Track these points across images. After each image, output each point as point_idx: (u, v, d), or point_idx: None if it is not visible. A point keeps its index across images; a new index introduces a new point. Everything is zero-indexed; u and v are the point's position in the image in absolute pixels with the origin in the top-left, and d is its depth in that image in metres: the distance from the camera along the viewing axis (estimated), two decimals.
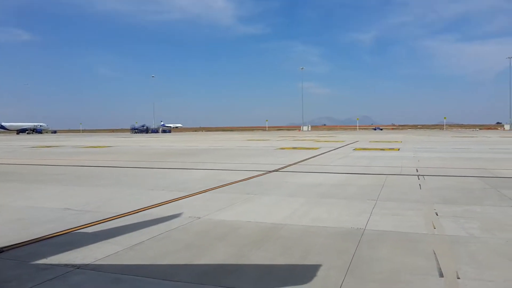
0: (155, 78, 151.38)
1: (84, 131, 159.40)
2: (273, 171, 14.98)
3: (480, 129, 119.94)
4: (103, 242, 5.97)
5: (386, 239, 6.09)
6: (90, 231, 6.65)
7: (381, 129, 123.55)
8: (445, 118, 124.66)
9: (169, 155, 24.39)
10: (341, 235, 6.30)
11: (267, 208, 8.38)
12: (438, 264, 5.04)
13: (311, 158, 20.67)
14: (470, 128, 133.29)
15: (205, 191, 10.43)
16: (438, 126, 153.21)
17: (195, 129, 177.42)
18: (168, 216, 7.55)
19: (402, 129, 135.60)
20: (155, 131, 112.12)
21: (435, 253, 5.43)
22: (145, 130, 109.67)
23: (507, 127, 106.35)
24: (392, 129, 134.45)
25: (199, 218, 7.45)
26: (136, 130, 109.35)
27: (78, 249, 5.64)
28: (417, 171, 14.62)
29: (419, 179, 12.60)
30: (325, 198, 9.47)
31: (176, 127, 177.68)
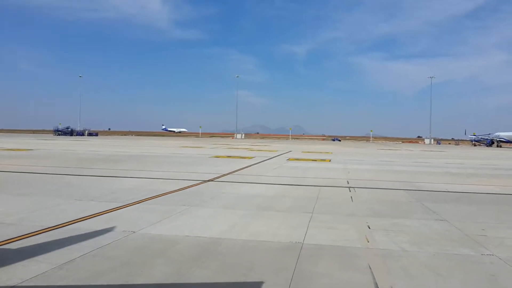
0: (83, 77, 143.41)
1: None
2: (209, 180, 14.80)
3: (403, 142, 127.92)
4: (29, 260, 5.47)
5: (324, 253, 6.20)
6: (13, 248, 6.07)
7: (339, 140, 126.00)
8: (371, 131, 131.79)
9: (97, 161, 23.22)
10: (280, 250, 6.32)
11: (205, 221, 8.21)
12: (374, 279, 5.21)
13: (246, 167, 20.73)
14: (394, 141, 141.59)
15: (138, 202, 10.01)
16: (365, 138, 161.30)
17: (125, 133, 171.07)
18: (100, 230, 7.12)
19: (322, 139, 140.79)
20: (81, 134, 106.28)
21: (370, 268, 5.61)
22: (69, 132, 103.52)
23: (427, 141, 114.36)
24: (322, 139, 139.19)
25: (134, 232, 7.11)
26: (60, 132, 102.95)
27: (1, 269, 5.12)
28: (348, 183, 15.19)
29: (350, 191, 13.08)
30: (263, 210, 9.49)
31: (180, 131, 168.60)
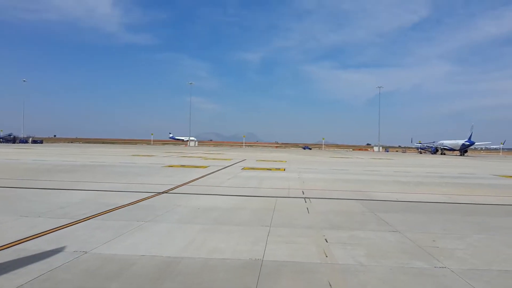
0: (27, 82, 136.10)
1: None
2: (163, 192, 14.46)
3: (353, 149, 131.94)
4: None
5: (284, 271, 6.18)
6: None
7: (310, 149, 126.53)
8: (323, 138, 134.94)
9: (43, 171, 22.07)
10: (240, 268, 6.23)
11: (162, 238, 7.97)
12: None
13: (201, 177, 20.47)
14: (345, 148, 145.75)
15: (89, 218, 9.58)
16: (317, 146, 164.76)
17: (71, 140, 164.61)
18: (49, 251, 6.72)
19: (285, 147, 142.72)
20: (24, 141, 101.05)
21: (330, 285, 5.65)
22: (12, 139, 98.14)
23: (376, 149, 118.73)
24: (276, 147, 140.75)
25: (86, 252, 6.77)
26: (1, 140, 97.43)
27: None
28: (303, 193, 15.35)
29: (306, 202, 13.22)
30: (220, 224, 9.36)
31: (190, 139, 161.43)
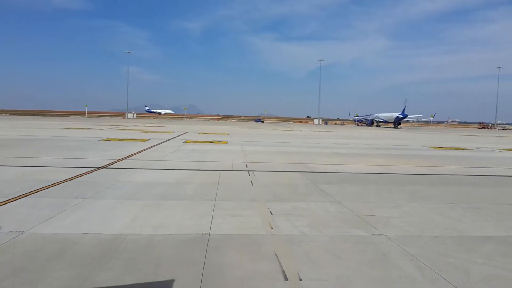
0: None
1: None
2: (102, 167, 13.97)
3: (294, 122, 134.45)
4: None
5: (232, 243, 6.27)
6: None
7: (262, 121, 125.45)
8: (265, 111, 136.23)
9: None
10: (188, 242, 6.23)
11: (104, 215, 7.74)
12: (281, 267, 5.41)
13: (141, 151, 19.97)
14: (286, 121, 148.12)
15: (25, 196, 9.06)
16: (259, 118, 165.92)
17: None
18: None
19: (227, 119, 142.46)
20: None
21: (277, 256, 5.81)
22: None
23: (316, 121, 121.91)
24: (218, 119, 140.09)
25: (23, 232, 6.43)
26: None
27: None
28: (246, 166, 15.49)
29: (249, 175, 13.37)
30: (164, 200, 9.24)
31: (166, 113, 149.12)
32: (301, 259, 5.72)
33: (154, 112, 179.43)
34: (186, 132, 40.36)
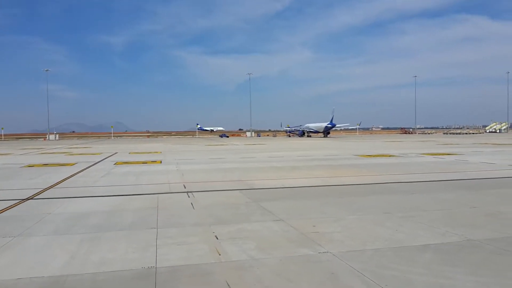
0: None
1: None
2: (28, 199, 12.97)
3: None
4: None
5: (180, 276, 6.05)
6: None
7: (227, 136, 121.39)
8: (197, 125, 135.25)
9: None
10: (134, 279, 5.91)
11: (38, 255, 7.12)
12: None
13: (70, 177, 18.85)
14: (218, 134, 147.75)
15: None
16: (191, 133, 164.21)
17: None
18: None
19: (157, 136, 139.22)
20: None
21: (228, 285, 5.69)
22: None
23: (248, 134, 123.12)
24: (148, 136, 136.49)
25: None
26: None
27: None
28: (184, 187, 15.18)
29: (189, 196, 13.11)
30: (102, 231, 8.74)
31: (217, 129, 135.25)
32: (254, 286, 5.65)
33: (206, 130, 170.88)
34: (116, 153, 38.81)
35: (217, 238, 8.09)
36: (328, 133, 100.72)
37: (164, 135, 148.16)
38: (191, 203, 11.92)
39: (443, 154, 30.94)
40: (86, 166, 24.46)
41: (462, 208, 10.81)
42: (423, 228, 8.74)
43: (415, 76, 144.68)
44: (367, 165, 23.69)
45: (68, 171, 21.72)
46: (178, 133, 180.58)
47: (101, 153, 38.99)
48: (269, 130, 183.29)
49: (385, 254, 7.04)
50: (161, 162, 27.08)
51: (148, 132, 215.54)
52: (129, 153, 38.87)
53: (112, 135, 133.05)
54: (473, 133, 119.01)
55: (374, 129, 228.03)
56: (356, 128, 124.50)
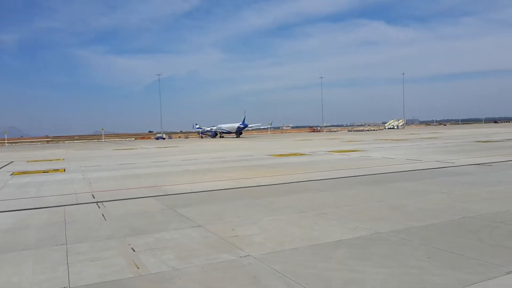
0: None
1: None
2: None
3: (136, 138, 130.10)
4: None
5: None
6: None
7: (164, 138, 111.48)
8: (102, 129, 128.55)
9: None
10: None
11: None
12: None
13: None
14: (127, 138, 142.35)
15: None
16: (97, 137, 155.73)
17: None
18: None
19: (59, 141, 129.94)
20: None
21: None
22: None
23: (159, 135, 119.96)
24: (48, 142, 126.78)
25: None
26: None
27: None
28: (93, 197, 14.38)
29: (99, 207, 12.44)
30: (4, 253, 7.91)
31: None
32: None
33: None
34: (12, 162, 35.52)
35: (134, 250, 7.76)
36: (241, 133, 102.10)
37: (67, 140, 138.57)
38: (102, 214, 11.31)
39: (348, 151, 32.97)
40: None
41: (368, 202, 11.60)
42: (336, 224, 9.23)
43: (321, 78, 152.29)
44: (279, 164, 24.41)
45: None
46: (82, 138, 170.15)
47: None
48: (181, 131, 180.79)
49: (303, 252, 7.29)
50: (64, 170, 25.33)
51: (48, 137, 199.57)
52: (27, 161, 35.82)
53: (6, 141, 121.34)
54: (374, 130, 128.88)
55: (284, 128, 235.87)
56: (267, 127, 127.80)
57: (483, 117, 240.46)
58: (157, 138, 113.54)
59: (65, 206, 12.66)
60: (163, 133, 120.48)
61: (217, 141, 76.53)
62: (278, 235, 8.54)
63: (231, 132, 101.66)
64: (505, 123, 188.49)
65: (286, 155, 31.21)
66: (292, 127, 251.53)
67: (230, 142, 67.72)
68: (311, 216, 10.13)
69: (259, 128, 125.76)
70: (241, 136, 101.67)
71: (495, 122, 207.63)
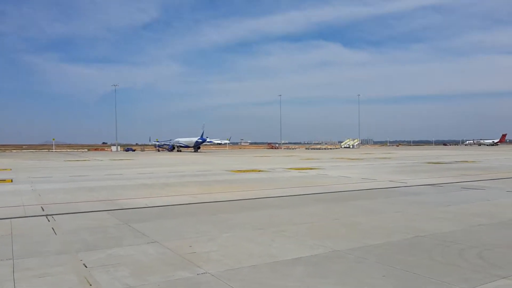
0: None
1: None
2: None
3: (89, 150, 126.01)
4: None
5: None
6: None
7: (133, 150, 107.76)
8: (53, 139, 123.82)
9: None
10: None
11: None
12: None
13: None
14: (79, 149, 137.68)
15: None
16: (47, 147, 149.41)
17: None
18: None
19: (5, 150, 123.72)
20: None
21: None
22: None
23: (114, 148, 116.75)
24: None
25: None
26: None
27: None
28: (43, 209, 13.72)
29: (49, 220, 11.88)
30: None
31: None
32: None
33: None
34: None
35: (86, 267, 7.43)
36: (199, 147, 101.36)
37: (14, 149, 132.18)
38: (52, 228, 10.79)
39: (306, 169, 33.42)
40: None
41: (326, 220, 11.76)
42: (294, 242, 9.26)
43: (280, 95, 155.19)
44: (238, 180, 24.35)
45: None
46: (31, 147, 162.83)
47: None
48: (137, 144, 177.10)
49: (261, 270, 7.25)
50: (11, 181, 24.06)
51: None
52: None
53: None
54: (331, 148, 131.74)
55: (243, 143, 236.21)
56: (226, 143, 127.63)
57: (433, 139, 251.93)
58: (127, 150, 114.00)
59: (11, 219, 11.99)
60: (118, 145, 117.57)
61: (174, 155, 75.43)
62: (236, 252, 8.46)
63: (189, 146, 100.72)
64: (454, 145, 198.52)
65: (244, 171, 31.20)
66: (251, 143, 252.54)
67: (188, 157, 66.97)
68: (269, 233, 10.12)
69: (218, 143, 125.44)
70: (199, 150, 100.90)
71: (445, 144, 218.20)
